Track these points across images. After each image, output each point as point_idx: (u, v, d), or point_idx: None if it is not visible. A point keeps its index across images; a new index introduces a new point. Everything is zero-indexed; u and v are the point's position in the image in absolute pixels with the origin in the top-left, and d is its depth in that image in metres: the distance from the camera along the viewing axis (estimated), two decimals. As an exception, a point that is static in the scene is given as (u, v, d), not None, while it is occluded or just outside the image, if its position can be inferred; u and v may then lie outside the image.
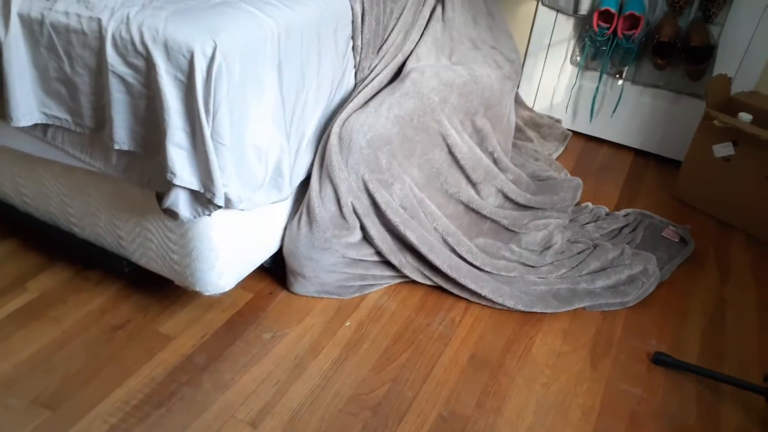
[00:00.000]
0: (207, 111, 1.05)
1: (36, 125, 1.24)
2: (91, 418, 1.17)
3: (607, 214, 1.90)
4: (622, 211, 1.91)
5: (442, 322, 1.47)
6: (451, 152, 1.61)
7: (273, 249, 1.46)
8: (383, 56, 1.56)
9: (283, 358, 1.34)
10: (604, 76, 2.26)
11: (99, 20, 1.07)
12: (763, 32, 1.96)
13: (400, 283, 1.57)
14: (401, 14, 1.59)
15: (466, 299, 1.53)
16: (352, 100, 1.49)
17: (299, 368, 1.31)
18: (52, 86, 1.17)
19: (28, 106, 1.19)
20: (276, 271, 1.57)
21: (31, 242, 1.59)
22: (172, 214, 1.15)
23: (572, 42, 2.28)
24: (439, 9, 1.71)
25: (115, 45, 1.06)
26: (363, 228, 1.48)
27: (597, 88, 2.26)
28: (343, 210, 1.45)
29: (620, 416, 1.28)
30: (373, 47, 1.51)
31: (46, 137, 1.25)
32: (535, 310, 1.50)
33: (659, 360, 1.40)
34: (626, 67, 2.20)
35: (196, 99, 1.04)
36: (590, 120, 2.36)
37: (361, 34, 1.44)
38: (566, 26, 2.26)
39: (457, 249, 1.56)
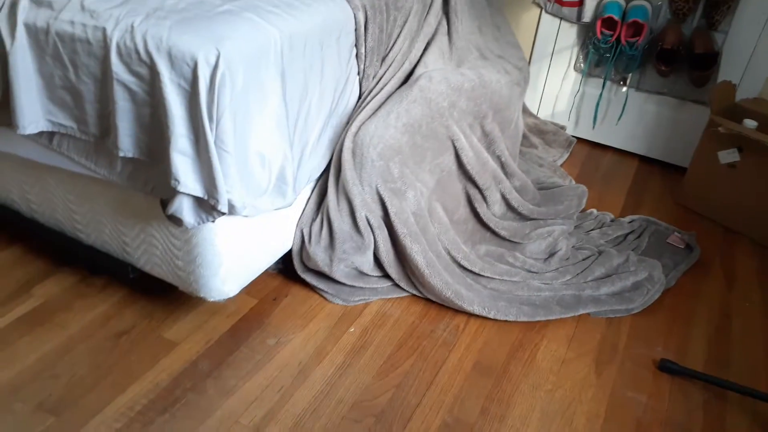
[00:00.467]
0: (210, 118, 1.06)
1: (42, 133, 1.25)
2: (95, 423, 1.17)
3: (612, 221, 1.89)
4: (627, 218, 1.91)
5: (446, 329, 1.47)
6: (458, 156, 1.62)
7: (277, 255, 1.46)
8: (390, 64, 1.57)
9: (287, 364, 1.34)
10: (608, 83, 2.26)
11: (104, 29, 1.08)
12: (767, 39, 1.95)
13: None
14: (405, 22, 1.60)
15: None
16: (361, 110, 1.50)
17: (303, 374, 1.32)
18: (58, 94, 1.18)
19: (34, 114, 1.20)
20: (280, 276, 1.57)
21: (36, 248, 1.60)
22: (176, 221, 1.16)
23: (576, 49, 2.28)
24: (444, 21, 1.72)
25: (119, 53, 1.07)
26: (375, 240, 1.49)
27: (600, 95, 2.27)
28: (359, 225, 1.47)
29: (625, 424, 1.27)
30: (377, 55, 1.51)
31: (51, 144, 1.26)
32: (538, 319, 1.49)
33: (665, 367, 1.39)
34: (630, 74, 2.20)
35: (200, 107, 1.05)
36: (593, 127, 2.36)
37: (365, 42, 1.44)
38: (570, 33, 2.26)
39: (454, 255, 1.56)
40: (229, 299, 1.45)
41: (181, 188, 1.10)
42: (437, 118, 1.54)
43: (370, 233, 1.48)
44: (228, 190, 1.13)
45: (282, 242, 1.46)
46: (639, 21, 2.02)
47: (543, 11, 2.28)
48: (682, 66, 2.07)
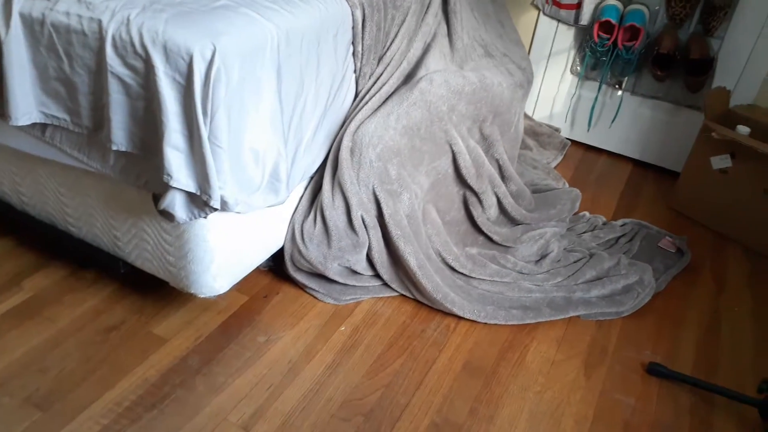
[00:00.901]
0: (205, 114, 1.05)
1: (34, 124, 1.25)
2: (83, 419, 1.17)
3: (604, 224, 1.90)
4: (620, 221, 1.91)
5: (437, 329, 1.47)
6: (455, 160, 1.62)
7: (269, 252, 1.46)
8: (388, 63, 1.57)
9: (277, 362, 1.33)
10: (604, 87, 2.26)
11: (99, 21, 1.07)
12: (762, 46, 1.97)
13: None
14: (404, 21, 1.60)
15: (462, 306, 1.53)
16: (360, 108, 1.49)
17: (293, 372, 1.31)
18: (51, 86, 1.18)
19: (27, 105, 1.19)
20: (272, 274, 1.57)
21: (27, 241, 1.59)
22: (168, 216, 1.15)
23: (572, 52, 2.28)
24: (443, 21, 1.71)
25: (114, 46, 1.07)
26: (369, 240, 1.48)
27: (596, 98, 2.27)
28: (354, 223, 1.46)
29: (613, 426, 1.27)
30: (374, 53, 1.51)
31: (44, 136, 1.25)
32: (527, 321, 1.50)
33: (654, 370, 1.40)
34: (626, 78, 2.21)
35: (194, 101, 1.04)
36: (588, 129, 2.36)
37: (362, 40, 1.44)
38: (567, 36, 2.27)
39: (445, 257, 1.56)
40: (220, 296, 1.45)
41: (173, 183, 1.10)
42: (436, 122, 1.54)
43: (365, 232, 1.48)
44: (221, 186, 1.12)
45: (274, 239, 1.45)
46: (636, 25, 2.02)
47: (541, 13, 2.28)
48: (678, 71, 2.07)
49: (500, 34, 1.87)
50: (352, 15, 1.38)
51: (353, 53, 1.44)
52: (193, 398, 1.23)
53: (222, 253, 1.28)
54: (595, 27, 2.10)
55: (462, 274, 1.58)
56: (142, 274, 1.40)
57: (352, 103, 1.53)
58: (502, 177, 1.75)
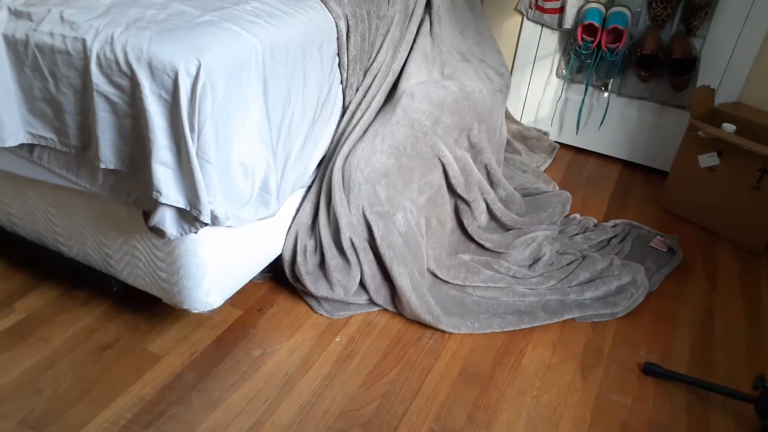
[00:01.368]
0: (192, 129, 1.06)
1: (22, 145, 1.24)
2: (78, 439, 1.16)
3: (595, 225, 1.91)
4: (611, 222, 1.92)
5: (432, 336, 1.47)
6: (445, 171, 1.63)
7: (261, 265, 1.46)
8: (375, 75, 1.57)
9: (273, 375, 1.33)
10: (590, 89, 2.28)
11: (83, 40, 1.08)
12: (744, 44, 1.99)
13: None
14: (388, 31, 1.61)
15: (456, 312, 1.54)
16: (353, 128, 1.51)
17: (289, 385, 1.31)
18: (38, 106, 1.17)
19: (14, 126, 1.19)
20: (265, 287, 1.57)
21: (18, 262, 1.58)
22: (158, 232, 1.15)
23: (557, 56, 2.30)
24: (426, 24, 1.72)
25: (99, 65, 1.07)
26: (360, 263, 1.49)
27: (583, 100, 2.29)
28: (343, 245, 1.47)
29: (611, 427, 1.28)
30: (360, 63, 1.52)
31: (32, 157, 1.25)
32: (523, 326, 1.50)
33: (649, 370, 1.40)
34: (611, 80, 2.23)
35: (181, 117, 1.04)
36: (576, 132, 2.38)
37: (347, 51, 1.45)
38: (551, 40, 2.29)
39: (437, 272, 1.57)
40: (214, 311, 1.44)
41: (163, 199, 1.10)
42: (421, 138, 1.54)
43: (355, 255, 1.48)
44: (210, 201, 1.12)
45: (266, 252, 1.45)
46: (619, 27, 2.04)
47: (525, 18, 2.30)
48: (662, 71, 2.09)
49: (478, 41, 1.89)
50: (336, 26, 1.39)
51: (339, 64, 1.44)
52: (189, 415, 1.23)
53: (214, 268, 1.28)
54: (579, 30, 2.12)
55: (455, 284, 1.59)
56: (135, 292, 1.40)
57: (341, 116, 1.54)
58: (491, 183, 1.76)
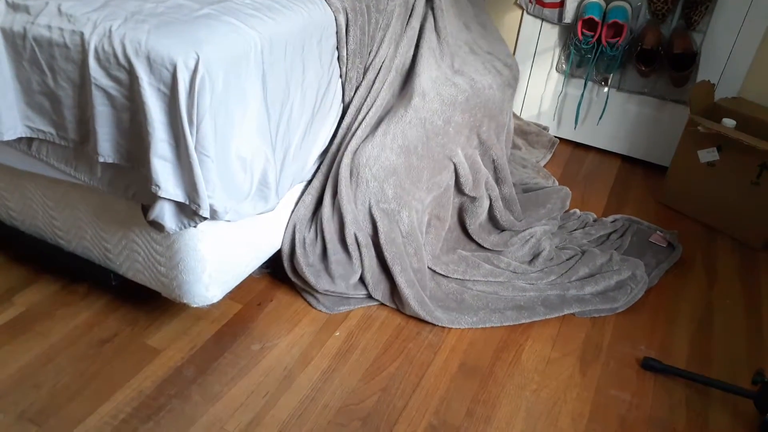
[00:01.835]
0: (191, 123, 1.05)
1: (20, 139, 1.24)
2: (77, 433, 1.16)
3: (594, 221, 1.91)
4: (610, 217, 1.92)
5: (432, 331, 1.47)
6: (456, 172, 1.63)
7: (261, 259, 1.45)
8: (378, 71, 1.56)
9: (273, 369, 1.33)
10: (590, 84, 2.28)
11: (81, 34, 1.07)
12: (744, 39, 1.98)
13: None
14: (389, 25, 1.60)
15: (455, 307, 1.54)
16: (359, 125, 1.50)
17: (288, 379, 1.31)
18: (36, 100, 1.17)
19: (12, 119, 1.19)
20: (265, 281, 1.56)
21: (17, 256, 1.58)
22: (157, 226, 1.15)
23: (557, 50, 2.29)
24: (430, 19, 1.71)
25: (97, 58, 1.06)
26: (361, 259, 1.49)
27: (582, 95, 2.28)
28: (347, 240, 1.47)
29: (610, 422, 1.28)
30: (360, 57, 1.51)
31: (30, 151, 1.25)
32: (522, 321, 1.50)
33: (648, 365, 1.40)
34: (611, 75, 2.22)
35: (180, 111, 1.04)
36: (575, 127, 2.37)
37: (347, 45, 1.44)
38: (551, 35, 2.28)
39: (435, 268, 1.57)
40: (213, 305, 1.44)
41: (161, 193, 1.09)
42: (433, 138, 1.54)
43: (357, 251, 1.48)
44: (209, 195, 1.12)
45: (266, 247, 1.45)
46: (619, 22, 2.04)
47: (525, 13, 2.29)
48: (662, 66, 2.09)
49: (483, 34, 1.88)
50: (335, 20, 1.38)
51: (338, 58, 1.44)
52: (188, 409, 1.23)
53: (213, 262, 1.27)
54: (579, 25, 2.12)
55: (455, 278, 1.58)
56: (135, 286, 1.40)
57: (344, 112, 1.53)
58: (497, 179, 1.76)
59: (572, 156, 2.34)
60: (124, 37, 1.05)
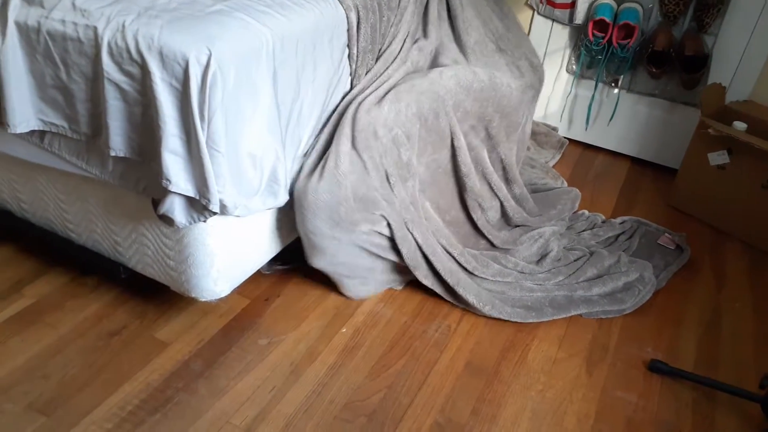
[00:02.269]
0: (202, 118, 1.06)
1: (33, 132, 1.25)
2: (86, 423, 1.17)
3: (603, 222, 1.90)
4: (619, 219, 1.92)
5: (438, 329, 1.47)
6: (454, 155, 1.62)
7: (269, 255, 1.46)
8: (391, 61, 1.56)
9: (279, 364, 1.34)
10: (600, 85, 2.27)
11: (95, 28, 1.08)
12: (756, 42, 1.97)
13: (396, 289, 1.58)
14: (400, 21, 1.60)
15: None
16: (365, 98, 1.44)
17: (295, 374, 1.32)
18: (49, 93, 1.18)
19: (25, 113, 1.20)
20: (272, 276, 1.57)
21: (27, 248, 1.59)
22: (167, 221, 1.16)
23: (568, 51, 2.29)
24: (447, 26, 1.71)
25: (110, 53, 1.07)
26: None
27: (593, 96, 2.28)
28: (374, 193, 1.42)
29: (615, 423, 1.28)
30: (371, 55, 1.52)
31: (43, 144, 1.26)
32: (530, 320, 1.50)
33: (655, 367, 1.40)
34: (622, 76, 2.21)
35: (191, 106, 1.05)
36: (585, 128, 2.37)
37: (357, 43, 1.44)
38: (562, 35, 2.27)
39: (451, 251, 1.56)
40: (221, 299, 1.45)
41: (172, 188, 1.10)
42: (442, 115, 1.54)
43: (389, 188, 1.47)
44: (219, 190, 1.13)
45: (274, 242, 1.46)
46: (630, 23, 2.03)
47: (536, 13, 2.29)
48: (673, 68, 2.08)
49: (508, 27, 1.87)
50: (347, 18, 1.38)
51: (349, 56, 1.44)
52: (195, 402, 1.24)
53: (222, 257, 1.28)
54: (590, 25, 2.11)
55: (466, 269, 1.58)
56: (143, 279, 1.40)
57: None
58: (506, 179, 1.76)
59: (582, 157, 2.34)
60: (137, 32, 1.06)
